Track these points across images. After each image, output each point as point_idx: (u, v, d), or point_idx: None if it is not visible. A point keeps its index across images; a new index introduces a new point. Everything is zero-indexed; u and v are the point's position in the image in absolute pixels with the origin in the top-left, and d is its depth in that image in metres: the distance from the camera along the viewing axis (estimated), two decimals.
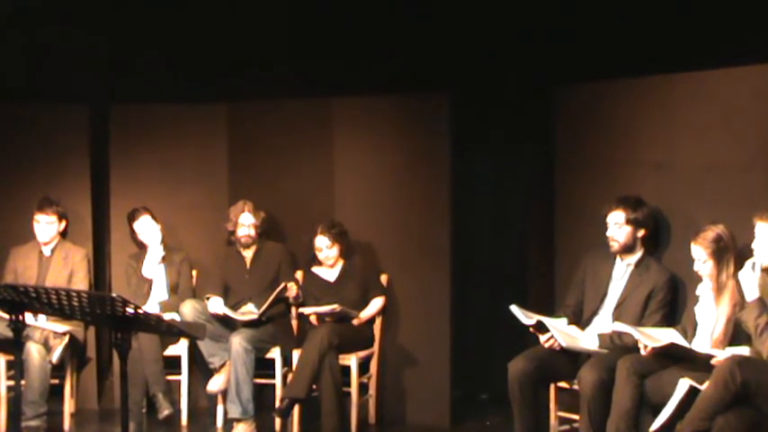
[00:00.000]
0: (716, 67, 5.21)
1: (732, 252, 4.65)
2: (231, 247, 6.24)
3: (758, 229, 4.47)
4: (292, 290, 5.99)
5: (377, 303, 6.02)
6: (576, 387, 4.92)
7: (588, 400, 4.72)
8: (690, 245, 4.74)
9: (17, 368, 4.50)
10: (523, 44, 6.21)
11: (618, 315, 5.06)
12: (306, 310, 5.93)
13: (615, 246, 5.14)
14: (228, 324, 5.92)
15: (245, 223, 6.11)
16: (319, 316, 5.86)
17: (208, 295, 6.06)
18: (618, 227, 5.11)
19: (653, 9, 5.70)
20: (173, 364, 6.07)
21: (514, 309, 4.98)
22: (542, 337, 5.03)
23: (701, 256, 4.67)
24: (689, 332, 4.82)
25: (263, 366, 5.89)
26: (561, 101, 5.95)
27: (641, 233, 5.13)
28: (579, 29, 5.99)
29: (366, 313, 5.96)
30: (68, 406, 6.03)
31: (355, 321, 5.90)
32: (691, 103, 5.31)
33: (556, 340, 4.96)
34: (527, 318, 4.97)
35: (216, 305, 5.94)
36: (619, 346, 4.88)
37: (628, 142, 5.58)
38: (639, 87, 5.52)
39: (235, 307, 6.00)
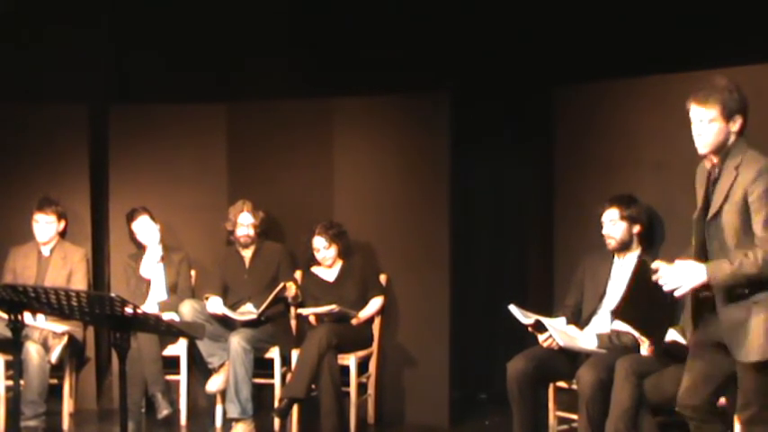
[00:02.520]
0: (715, 67, 5.19)
1: None
2: (230, 247, 6.24)
3: None
4: (291, 290, 5.99)
5: (376, 303, 6.02)
6: (574, 387, 4.92)
7: (587, 400, 4.72)
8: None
9: (16, 368, 4.48)
10: (523, 44, 6.21)
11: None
12: (304, 311, 5.93)
13: (612, 243, 5.16)
14: (227, 324, 5.91)
15: (244, 223, 6.11)
16: (318, 316, 5.86)
17: (207, 295, 6.06)
18: (613, 224, 5.14)
19: (653, 9, 5.70)
20: (172, 363, 6.07)
21: (513, 308, 4.97)
22: (541, 337, 5.02)
23: None
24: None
25: (261, 366, 5.89)
26: (561, 101, 5.94)
27: (636, 229, 5.16)
28: (579, 29, 5.99)
29: (365, 313, 5.96)
30: (67, 406, 6.03)
31: (354, 321, 5.90)
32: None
33: (554, 340, 4.95)
34: (525, 317, 4.97)
35: (215, 305, 5.94)
36: (617, 346, 4.88)
37: (627, 142, 5.58)
38: (639, 87, 5.52)
39: (234, 307, 6.00)
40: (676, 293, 3.81)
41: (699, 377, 4.01)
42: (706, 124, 3.91)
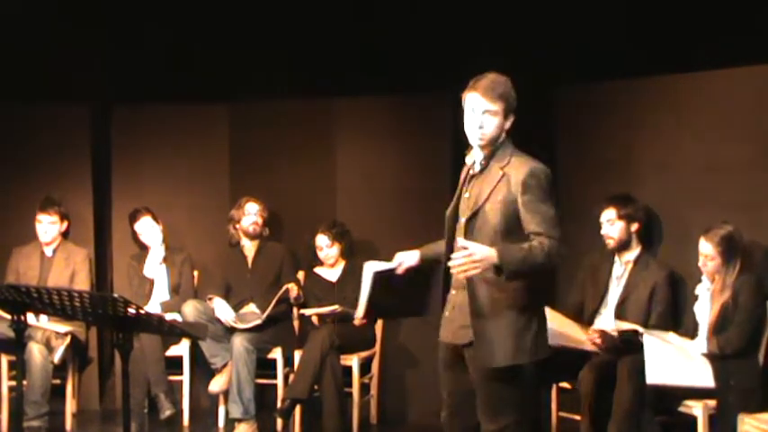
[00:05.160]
0: (718, 67, 5.21)
1: (739, 253, 4.64)
2: (233, 248, 6.24)
3: None
4: (293, 291, 5.99)
5: None
6: (578, 387, 4.93)
7: (589, 401, 4.73)
8: (695, 243, 4.74)
9: (19, 368, 4.49)
10: (525, 44, 6.20)
11: (620, 313, 5.07)
12: (307, 312, 5.93)
13: (611, 243, 5.17)
14: None
15: (252, 211, 6.10)
16: (321, 316, 5.87)
17: (210, 296, 6.05)
18: (611, 224, 5.16)
19: (655, 10, 5.70)
20: (174, 364, 6.07)
21: None
22: None
23: (708, 252, 4.66)
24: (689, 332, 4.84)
25: (264, 367, 5.89)
26: (563, 101, 5.94)
27: (634, 227, 5.17)
28: (581, 29, 5.98)
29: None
30: (70, 406, 6.03)
31: (357, 321, 5.89)
32: (693, 104, 5.32)
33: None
34: None
35: (223, 312, 5.89)
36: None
37: (629, 143, 5.58)
38: (641, 88, 5.52)
39: (237, 307, 5.99)
40: (466, 275, 3.57)
41: (459, 402, 3.86)
42: (488, 117, 3.80)
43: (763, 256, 4.85)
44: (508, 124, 3.86)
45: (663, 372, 4.46)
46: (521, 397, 3.74)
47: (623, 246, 5.17)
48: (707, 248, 4.66)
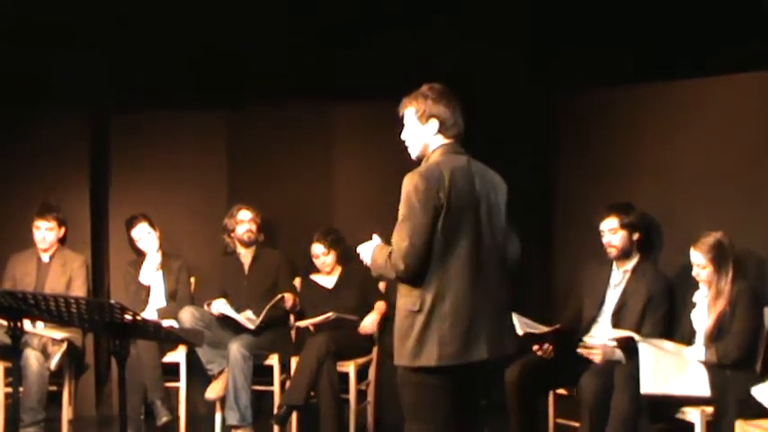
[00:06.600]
0: (717, 73, 5.22)
1: (731, 258, 4.66)
2: (229, 255, 6.23)
3: None
4: (289, 301, 5.99)
5: (380, 306, 5.98)
6: (576, 394, 4.93)
7: (590, 408, 4.72)
8: (689, 251, 4.75)
9: (15, 375, 4.49)
10: (525, 49, 6.21)
11: (616, 321, 5.07)
12: (302, 324, 5.92)
13: (614, 252, 5.15)
14: (227, 330, 5.91)
15: (245, 219, 6.11)
16: (316, 325, 5.86)
17: (208, 301, 6.04)
18: (613, 233, 5.14)
19: (655, 15, 5.71)
20: (171, 370, 6.05)
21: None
22: (535, 346, 5.04)
23: (700, 262, 4.69)
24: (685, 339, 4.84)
25: (261, 373, 5.88)
26: (562, 106, 5.95)
27: (636, 236, 5.16)
28: (581, 34, 5.99)
29: (368, 322, 5.92)
30: (66, 413, 6.01)
31: (362, 331, 5.88)
32: (692, 110, 5.32)
33: (547, 348, 4.98)
34: (520, 327, 4.94)
35: (221, 305, 5.91)
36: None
37: (628, 148, 5.59)
38: (641, 93, 5.54)
39: None
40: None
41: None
42: (405, 129, 4.00)
43: (759, 265, 4.87)
44: (431, 126, 3.95)
45: (658, 381, 4.47)
46: (417, 404, 3.91)
47: (625, 254, 5.17)
48: (698, 258, 4.69)
